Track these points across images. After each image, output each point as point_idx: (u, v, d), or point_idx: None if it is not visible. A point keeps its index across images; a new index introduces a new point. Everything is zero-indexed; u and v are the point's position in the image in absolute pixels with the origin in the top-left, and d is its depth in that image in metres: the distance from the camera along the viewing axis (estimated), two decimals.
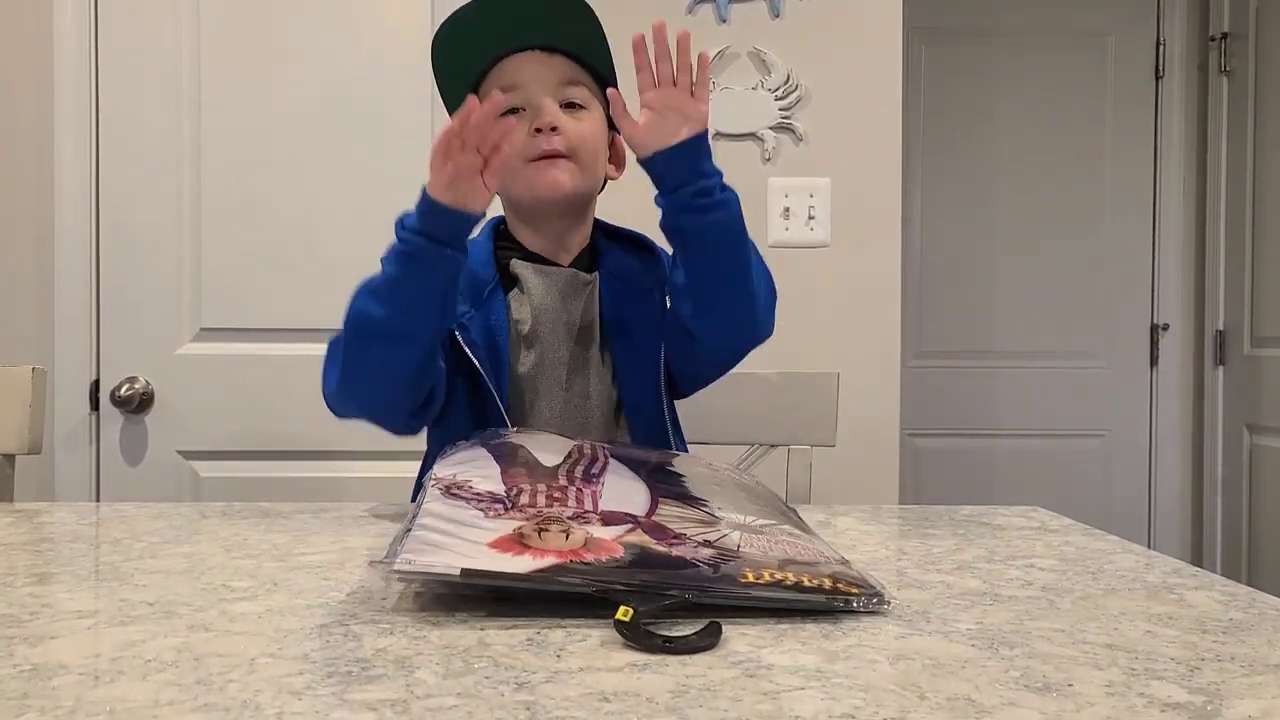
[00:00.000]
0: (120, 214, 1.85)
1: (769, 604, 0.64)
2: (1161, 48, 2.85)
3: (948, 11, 2.87)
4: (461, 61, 1.08)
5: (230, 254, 1.86)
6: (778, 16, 1.90)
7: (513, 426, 1.03)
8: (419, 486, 1.06)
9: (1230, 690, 0.48)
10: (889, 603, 0.63)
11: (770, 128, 1.89)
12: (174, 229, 1.86)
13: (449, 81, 1.10)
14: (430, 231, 0.92)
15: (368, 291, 0.96)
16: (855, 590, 0.63)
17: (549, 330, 1.07)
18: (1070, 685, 0.49)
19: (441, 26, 1.07)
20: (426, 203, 0.93)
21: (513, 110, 1.04)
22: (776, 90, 1.89)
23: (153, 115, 1.85)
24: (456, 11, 1.06)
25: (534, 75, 1.06)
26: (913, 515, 1.04)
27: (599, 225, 1.17)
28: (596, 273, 1.11)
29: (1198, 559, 2.75)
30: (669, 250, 1.09)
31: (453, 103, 1.11)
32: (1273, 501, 2.50)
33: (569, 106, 1.07)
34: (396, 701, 0.45)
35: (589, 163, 1.08)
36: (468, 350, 1.03)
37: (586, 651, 0.53)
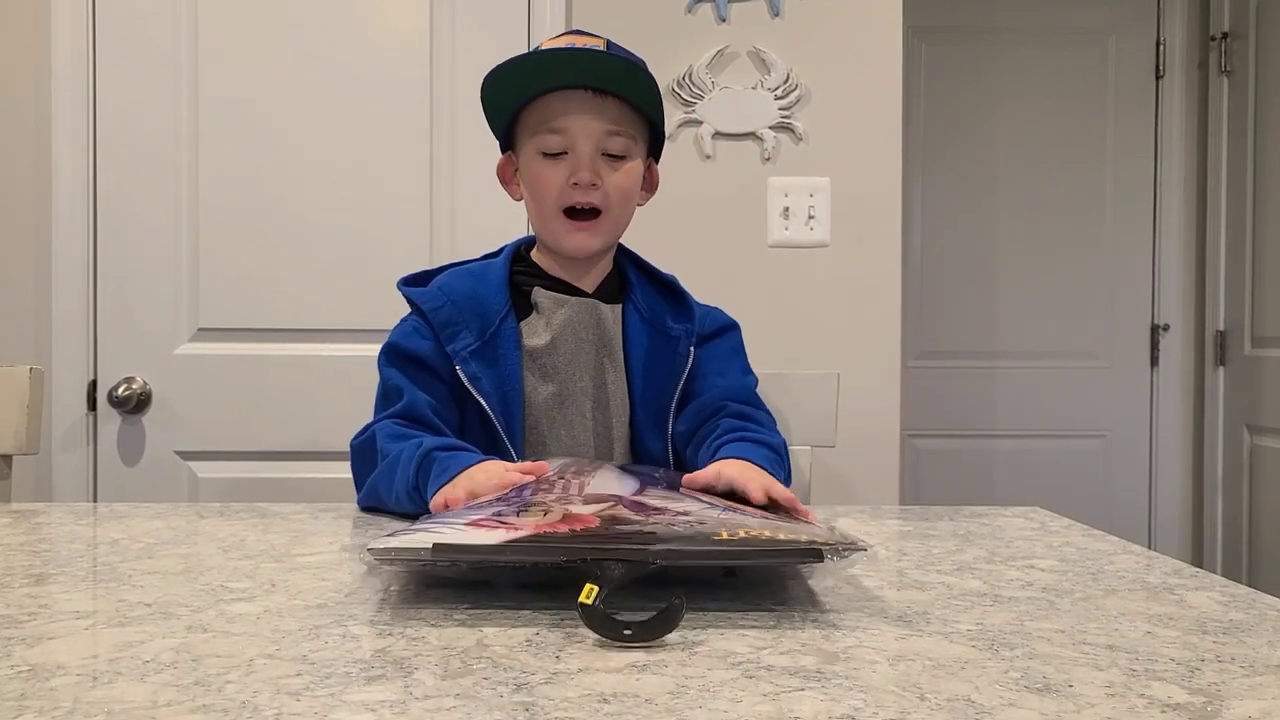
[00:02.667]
0: (118, 213, 1.84)
1: (743, 561, 0.64)
2: (1162, 47, 2.85)
3: (948, 10, 2.87)
4: (509, 89, 1.07)
5: (228, 254, 1.86)
6: (777, 15, 1.90)
7: (529, 455, 1.03)
8: None
9: (1230, 691, 0.48)
10: (865, 549, 0.63)
11: (770, 127, 1.89)
12: (172, 229, 1.85)
13: (493, 104, 1.09)
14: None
15: (381, 470, 0.99)
16: (831, 544, 0.62)
17: (567, 361, 1.07)
18: (1070, 686, 0.49)
19: (502, 64, 1.05)
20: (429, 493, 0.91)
21: (557, 152, 1.05)
22: (776, 89, 1.89)
23: (151, 114, 1.85)
24: (519, 56, 1.05)
25: (581, 123, 1.04)
26: (913, 516, 1.04)
27: (629, 255, 1.16)
28: (620, 305, 1.11)
29: (1198, 559, 2.75)
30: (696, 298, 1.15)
31: (495, 123, 1.11)
32: (1273, 502, 2.49)
33: (610, 155, 1.06)
34: (395, 703, 0.45)
35: (620, 216, 1.09)
36: (475, 393, 1.02)
37: (586, 652, 0.53)
